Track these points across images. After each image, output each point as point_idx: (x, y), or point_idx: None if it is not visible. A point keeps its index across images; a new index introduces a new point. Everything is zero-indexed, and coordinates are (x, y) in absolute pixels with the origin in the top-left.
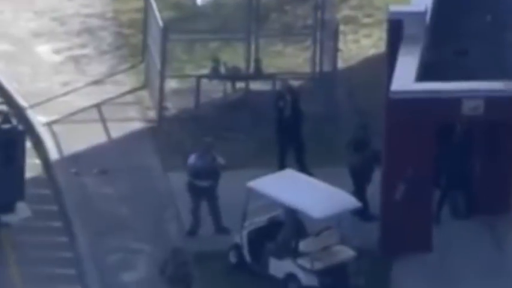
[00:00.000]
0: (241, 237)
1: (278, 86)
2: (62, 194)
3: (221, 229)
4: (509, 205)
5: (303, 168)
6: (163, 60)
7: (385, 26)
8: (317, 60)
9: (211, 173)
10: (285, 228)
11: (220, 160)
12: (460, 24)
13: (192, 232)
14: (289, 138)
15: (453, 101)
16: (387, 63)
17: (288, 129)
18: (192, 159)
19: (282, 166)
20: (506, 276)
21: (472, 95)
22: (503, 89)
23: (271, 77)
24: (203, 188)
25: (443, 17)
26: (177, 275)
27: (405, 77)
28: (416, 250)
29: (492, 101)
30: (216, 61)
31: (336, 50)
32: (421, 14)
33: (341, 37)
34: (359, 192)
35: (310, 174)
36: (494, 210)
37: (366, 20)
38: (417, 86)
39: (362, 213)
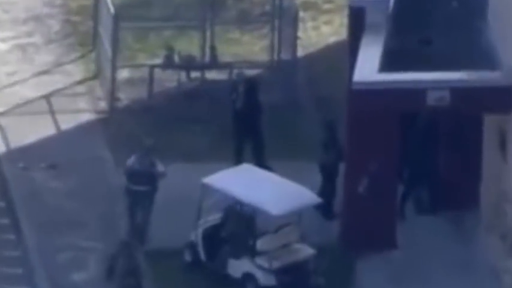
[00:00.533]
0: (196, 235)
1: (234, 75)
2: (9, 190)
3: (140, 240)
4: (477, 200)
5: (260, 162)
6: (115, 49)
7: (346, 13)
8: (275, 48)
9: (149, 178)
10: (228, 225)
11: (160, 167)
12: (425, 11)
13: (131, 242)
14: (245, 130)
15: (418, 92)
16: (349, 53)
17: (243, 121)
18: (130, 161)
19: (238, 160)
20: (474, 273)
21: (438, 85)
22: (469, 78)
23: (227, 65)
24: (138, 192)
25: (406, 3)
26: (127, 268)
27: (368, 67)
28: (380, 247)
29: (458, 91)
30: (170, 49)
31: (295, 37)
32: (384, 1)
33: (300, 24)
34: (328, 189)
35: (268, 168)
36: (460, 206)
37: (326, 6)
38: (380, 77)
39: (325, 210)
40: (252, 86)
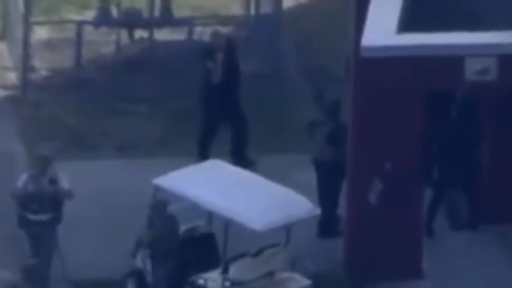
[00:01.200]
0: (144, 259)
1: (201, 35)
2: None
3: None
4: None
5: (242, 155)
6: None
7: None
8: None
9: (51, 202)
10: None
11: (64, 184)
12: None
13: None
14: (220, 112)
15: (453, 61)
16: (355, 5)
17: (221, 98)
18: (21, 181)
19: (204, 153)
20: None
21: (480, 51)
22: None
23: (185, 22)
24: (38, 223)
25: None
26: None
27: (382, 25)
28: (401, 276)
29: (508, 60)
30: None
31: None
32: None
33: None
34: (328, 196)
35: (252, 164)
36: (509, 219)
37: None
38: (400, 39)
39: (323, 225)
40: (232, 51)
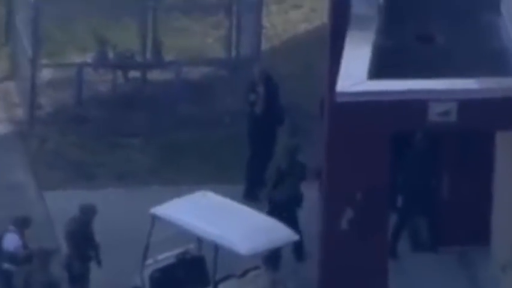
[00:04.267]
0: (143, 279)
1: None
2: None
3: None
4: (487, 233)
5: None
6: (36, 43)
7: None
8: (234, 41)
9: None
10: None
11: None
12: (424, 1)
13: None
14: (263, 142)
15: (418, 105)
16: (330, 54)
17: (262, 130)
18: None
19: (253, 178)
20: None
21: (442, 96)
22: (481, 87)
23: (173, 64)
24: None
25: None
26: (43, 282)
27: (355, 73)
28: None
29: (467, 103)
30: (103, 43)
31: (258, 26)
32: None
33: (263, 9)
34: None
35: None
36: (467, 240)
37: None
38: (371, 86)
39: (297, 248)
40: (271, 85)
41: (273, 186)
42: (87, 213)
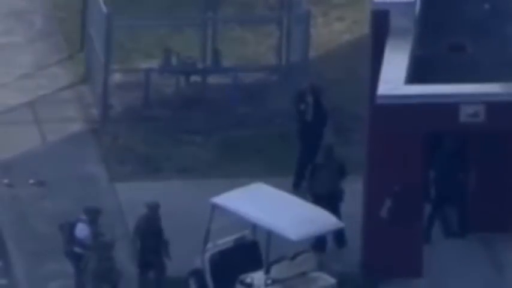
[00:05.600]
0: (203, 261)
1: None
2: None
3: None
4: (509, 222)
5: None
6: (108, 51)
7: (359, 7)
8: (284, 49)
9: None
10: None
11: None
12: (455, 15)
13: None
14: (311, 145)
15: (450, 107)
16: (371, 61)
17: (311, 134)
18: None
19: (302, 174)
20: None
21: (471, 99)
22: (507, 91)
23: (230, 70)
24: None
25: (435, 6)
26: (99, 270)
27: (394, 78)
28: (405, 275)
29: (494, 106)
30: (168, 51)
31: (306, 36)
32: (410, 3)
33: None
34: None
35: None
36: (491, 228)
37: (338, 0)
38: (408, 90)
39: (338, 236)
40: (318, 95)
41: (310, 179)
42: (154, 209)
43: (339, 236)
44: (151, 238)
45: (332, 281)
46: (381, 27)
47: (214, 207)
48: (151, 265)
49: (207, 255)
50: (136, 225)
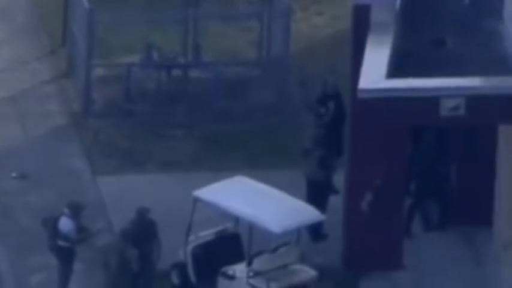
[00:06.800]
0: (186, 254)
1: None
2: None
3: None
4: (490, 215)
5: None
6: (90, 46)
7: (339, 2)
8: (264, 43)
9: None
10: None
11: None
12: (436, 9)
13: None
14: (330, 143)
15: (430, 101)
16: (352, 56)
17: (330, 135)
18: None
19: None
20: None
21: (452, 92)
22: (487, 85)
23: (211, 64)
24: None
25: (415, 1)
26: (121, 264)
27: (375, 72)
28: (386, 268)
29: (474, 99)
30: (149, 46)
31: (288, 30)
32: None
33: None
34: (317, 206)
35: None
36: (472, 221)
37: None
38: (389, 84)
39: (314, 230)
40: (340, 99)
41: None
42: (143, 214)
43: (316, 229)
44: (142, 243)
45: (313, 273)
46: (361, 22)
47: (197, 200)
48: (142, 269)
49: (189, 247)
50: (125, 232)
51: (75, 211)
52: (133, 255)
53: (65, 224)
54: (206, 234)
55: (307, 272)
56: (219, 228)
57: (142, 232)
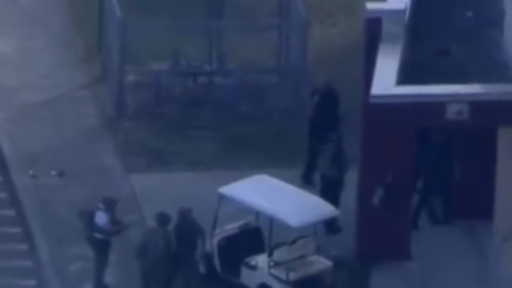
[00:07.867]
0: (212, 246)
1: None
2: (20, 198)
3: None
4: (491, 209)
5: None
6: (123, 53)
7: (353, 15)
8: (283, 52)
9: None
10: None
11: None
12: (442, 22)
13: None
14: (319, 140)
15: (436, 106)
16: (364, 64)
17: (313, 132)
18: (102, 218)
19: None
20: (489, 282)
21: (456, 98)
22: (488, 91)
23: (234, 71)
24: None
25: (423, 14)
26: (158, 252)
27: (386, 80)
28: (395, 258)
29: (477, 104)
30: (177, 55)
31: (306, 41)
32: (401, 11)
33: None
34: (330, 201)
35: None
36: (474, 215)
37: (331, 8)
38: (398, 90)
39: (329, 224)
40: (330, 93)
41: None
42: (185, 215)
43: (331, 222)
44: (186, 241)
45: (328, 263)
46: (373, 33)
47: (222, 196)
48: (182, 266)
49: (215, 240)
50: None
51: (109, 205)
52: (172, 238)
53: (100, 217)
54: (230, 227)
55: (323, 263)
56: (242, 222)
57: (186, 232)
